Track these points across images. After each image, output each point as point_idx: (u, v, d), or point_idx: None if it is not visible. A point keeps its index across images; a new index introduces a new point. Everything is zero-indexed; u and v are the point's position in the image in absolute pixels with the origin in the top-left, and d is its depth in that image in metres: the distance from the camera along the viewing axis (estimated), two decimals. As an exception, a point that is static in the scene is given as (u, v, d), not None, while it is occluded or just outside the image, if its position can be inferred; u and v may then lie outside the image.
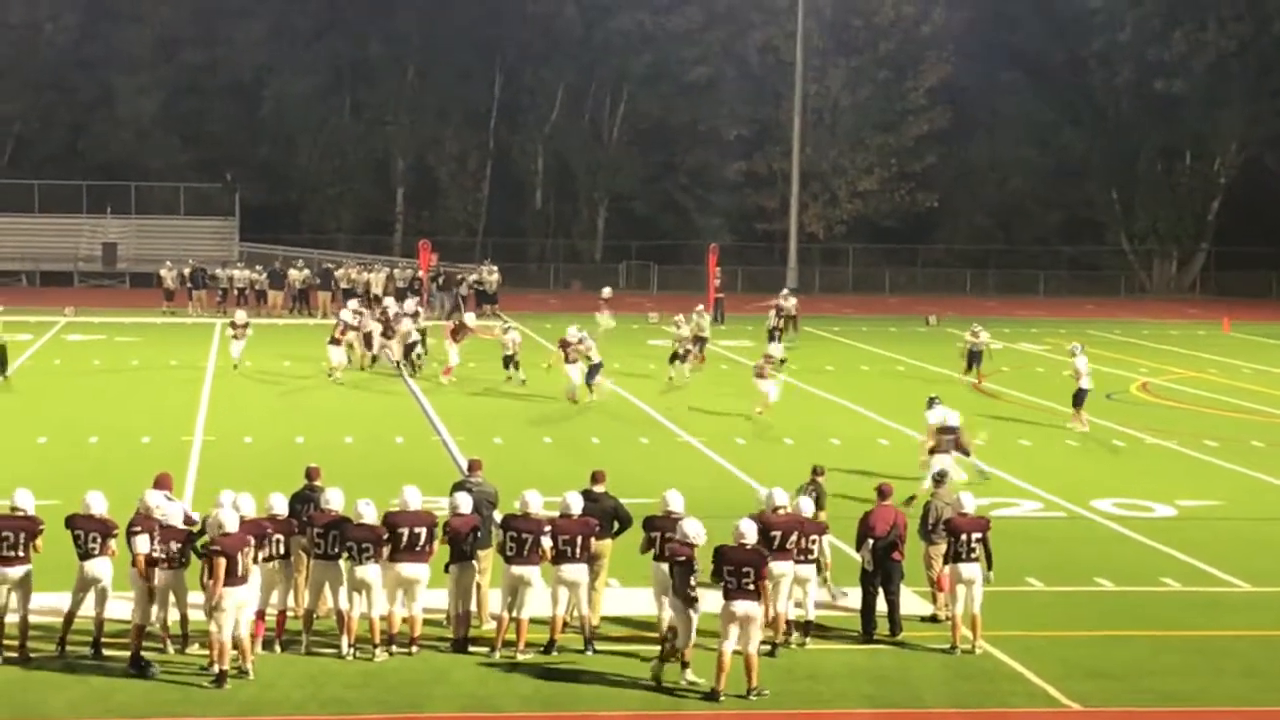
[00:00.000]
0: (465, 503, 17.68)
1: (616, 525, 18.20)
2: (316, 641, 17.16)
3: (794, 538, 17.38)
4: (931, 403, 27.40)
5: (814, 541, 17.71)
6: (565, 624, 17.47)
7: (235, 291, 56.20)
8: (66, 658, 16.64)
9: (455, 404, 35.33)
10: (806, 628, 17.78)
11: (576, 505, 17.53)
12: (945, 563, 18.02)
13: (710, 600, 16.57)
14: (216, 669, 15.94)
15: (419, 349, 40.34)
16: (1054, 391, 37.71)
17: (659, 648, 17.13)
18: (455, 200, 78.04)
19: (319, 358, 39.85)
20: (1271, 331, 57.59)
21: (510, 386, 37.11)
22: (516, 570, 17.13)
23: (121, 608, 16.91)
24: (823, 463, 20.82)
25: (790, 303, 49.31)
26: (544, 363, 37.02)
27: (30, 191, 70.60)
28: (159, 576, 16.58)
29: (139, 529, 16.47)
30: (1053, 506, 25.67)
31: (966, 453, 26.22)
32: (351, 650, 16.93)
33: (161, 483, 17.64)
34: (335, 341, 38.65)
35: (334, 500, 17.37)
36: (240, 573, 16.05)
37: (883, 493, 18.76)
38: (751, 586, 16.00)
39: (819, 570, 18.68)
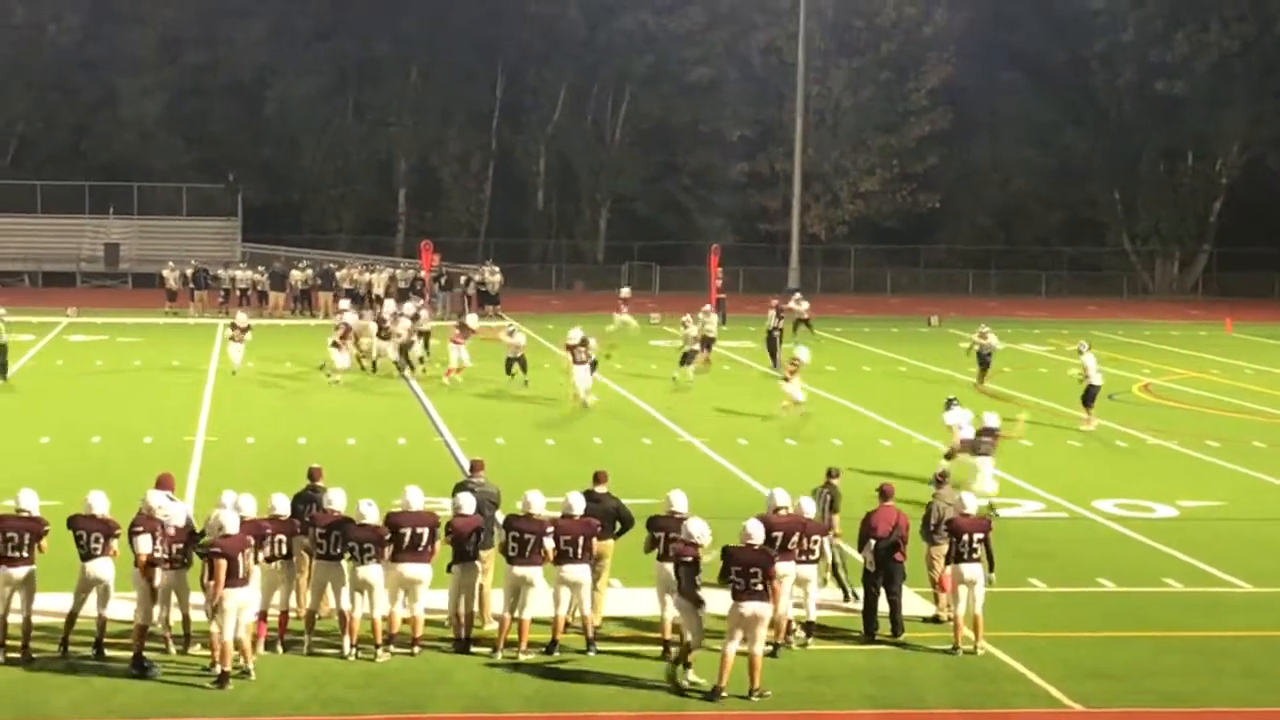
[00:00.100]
0: (468, 503, 17.70)
1: (618, 526, 18.22)
2: (318, 642, 17.17)
3: (795, 538, 17.39)
4: (950, 404, 27.54)
5: (815, 542, 17.73)
6: (567, 624, 17.48)
7: (237, 292, 56.23)
8: (69, 658, 16.66)
9: (457, 405, 35.33)
10: (808, 628, 17.80)
11: (578, 506, 17.55)
12: (947, 563, 18.04)
13: (714, 600, 16.59)
14: (218, 670, 15.95)
15: (419, 350, 40.33)
16: (1056, 392, 37.71)
17: (664, 649, 17.20)
18: (457, 201, 78.06)
19: (321, 358, 39.86)
20: (1273, 332, 57.56)
21: (513, 387, 37.07)
22: (519, 571, 17.14)
23: (123, 608, 16.92)
24: (824, 464, 20.84)
25: (803, 305, 49.39)
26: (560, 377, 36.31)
27: (33, 192, 70.64)
28: (161, 577, 16.60)
29: (141, 529, 16.48)
30: (1054, 507, 25.68)
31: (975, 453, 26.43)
32: (354, 651, 16.95)
33: (163, 483, 17.64)
34: (338, 344, 38.49)
35: (336, 501, 17.40)
36: (241, 574, 16.06)
37: (884, 493, 18.77)
38: (760, 587, 16.02)
39: (835, 570, 18.75)
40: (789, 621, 17.51)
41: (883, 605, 18.20)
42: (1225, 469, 29.74)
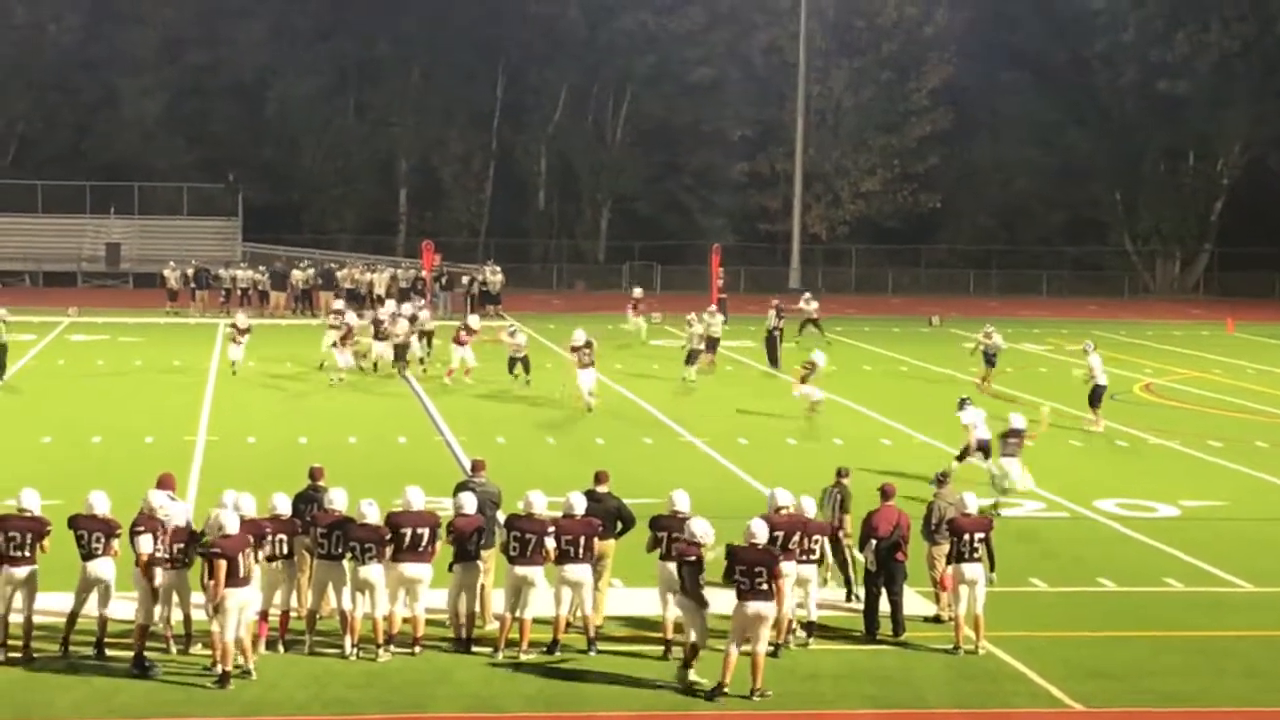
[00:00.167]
0: (469, 503, 17.70)
1: (620, 526, 18.21)
2: (320, 642, 17.17)
3: (796, 538, 17.39)
4: (963, 404, 27.62)
5: (815, 542, 17.73)
6: (568, 624, 17.48)
7: (238, 292, 56.23)
8: (69, 658, 16.65)
9: (458, 404, 35.32)
10: (809, 628, 17.80)
11: (580, 505, 17.54)
12: (948, 563, 18.04)
13: (717, 600, 16.59)
14: (219, 669, 15.95)
15: (418, 351, 40.22)
16: (1057, 392, 37.68)
17: (666, 649, 17.20)
18: (459, 201, 78.09)
19: (320, 358, 39.86)
20: (1275, 332, 57.55)
21: (515, 387, 37.01)
22: (520, 570, 17.14)
23: (124, 608, 16.92)
24: (826, 463, 20.86)
25: (812, 305, 49.41)
26: (559, 387, 35.95)
27: (34, 192, 70.68)
28: (162, 576, 16.59)
29: (142, 529, 16.48)
30: (1056, 507, 25.66)
31: (986, 455, 26.49)
32: (355, 650, 16.94)
33: (164, 483, 17.64)
34: (340, 344, 38.38)
35: (337, 500, 17.39)
36: (242, 574, 16.06)
37: (885, 493, 18.76)
38: (764, 586, 16.02)
39: (843, 569, 18.73)
40: (790, 621, 17.50)
41: (884, 605, 18.19)
42: (1227, 469, 29.73)
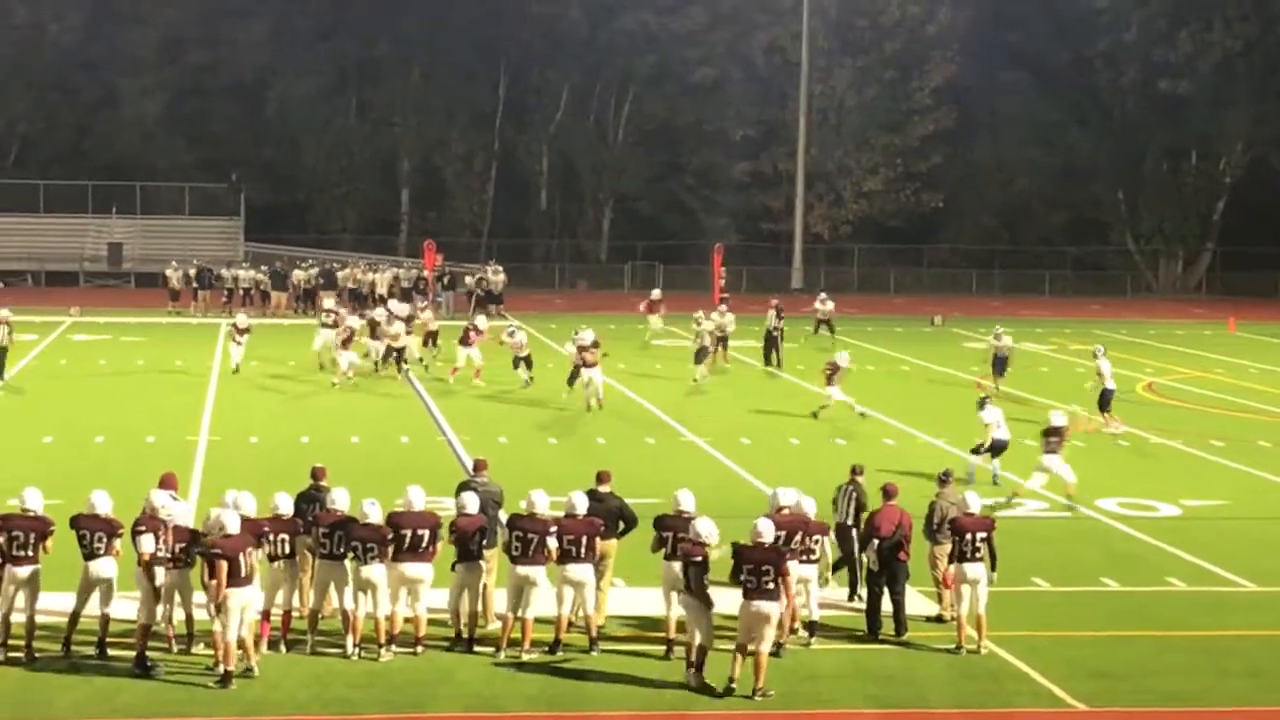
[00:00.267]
0: (471, 502, 17.69)
1: (622, 525, 18.21)
2: (322, 641, 17.16)
3: (798, 537, 17.38)
4: (983, 403, 27.64)
5: (816, 542, 17.73)
6: (570, 624, 17.47)
7: (240, 291, 56.23)
8: (71, 658, 16.65)
9: (460, 404, 35.32)
10: (811, 627, 17.79)
11: (582, 505, 17.54)
12: (950, 562, 18.03)
13: (722, 600, 16.59)
14: (221, 669, 15.95)
15: (415, 350, 40.05)
16: (1059, 391, 37.65)
17: (668, 648, 17.20)
18: (461, 200, 78.12)
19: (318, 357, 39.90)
20: (1277, 331, 57.54)
21: (518, 387, 36.89)
22: (522, 570, 17.13)
23: (126, 607, 16.92)
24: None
25: (828, 305, 49.42)
26: (564, 393, 35.63)
27: (35, 191, 70.75)
28: (164, 576, 16.59)
29: (143, 528, 16.47)
30: (1058, 506, 25.64)
31: (996, 454, 26.59)
32: (357, 650, 16.94)
33: (167, 482, 17.64)
34: (343, 345, 38.23)
35: (339, 500, 17.39)
36: (244, 573, 16.06)
37: (888, 493, 18.75)
38: (771, 586, 16.03)
39: (851, 568, 18.71)
40: (791, 620, 17.50)
41: (886, 604, 18.18)
42: (1229, 468, 29.72)
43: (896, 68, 77.19)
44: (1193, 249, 78.70)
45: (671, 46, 77.28)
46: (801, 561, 17.47)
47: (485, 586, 17.86)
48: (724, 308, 43.89)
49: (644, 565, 18.65)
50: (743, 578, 16.12)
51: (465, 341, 38.05)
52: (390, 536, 17.04)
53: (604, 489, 18.34)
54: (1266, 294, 73.15)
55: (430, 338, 41.89)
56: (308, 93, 75.65)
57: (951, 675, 16.89)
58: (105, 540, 16.70)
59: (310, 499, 17.89)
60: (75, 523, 16.82)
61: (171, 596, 16.84)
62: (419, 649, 17.10)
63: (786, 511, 17.58)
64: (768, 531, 16.38)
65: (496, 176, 78.71)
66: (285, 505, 17.44)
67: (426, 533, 17.21)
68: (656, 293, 51.19)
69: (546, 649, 17.17)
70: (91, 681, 16.07)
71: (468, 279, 58.93)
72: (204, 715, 15.23)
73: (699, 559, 16.27)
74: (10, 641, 16.64)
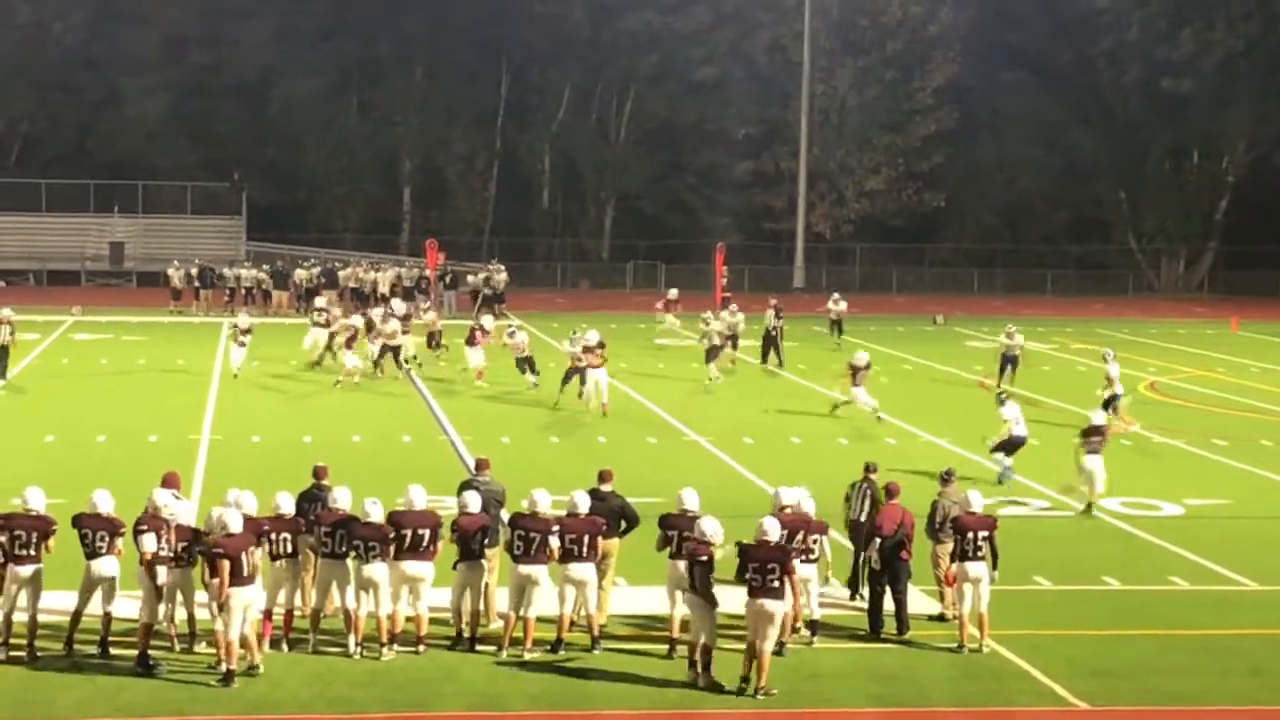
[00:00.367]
0: (473, 501, 17.70)
1: (624, 524, 18.20)
2: (324, 640, 17.17)
3: (799, 537, 17.38)
4: (1002, 400, 27.68)
5: (815, 541, 17.73)
6: (572, 623, 17.48)
7: (242, 291, 56.22)
8: (74, 657, 16.66)
9: (462, 404, 35.32)
10: (813, 626, 17.79)
11: (584, 504, 17.54)
12: (952, 561, 18.03)
13: (727, 599, 16.59)
14: (224, 668, 15.95)
15: (410, 349, 39.85)
16: (1061, 390, 37.68)
17: (670, 647, 17.20)
18: (463, 200, 78.12)
19: (334, 355, 39.88)
20: None
21: (523, 388, 36.74)
22: (524, 569, 17.13)
23: (129, 606, 16.92)
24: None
25: (841, 305, 49.44)
26: (558, 396, 35.15)
27: (38, 191, 70.75)
28: (166, 575, 16.58)
29: (145, 527, 16.48)
30: (1060, 505, 25.64)
31: (1009, 452, 26.66)
32: (359, 649, 16.95)
33: (169, 482, 17.65)
34: (347, 345, 38.16)
35: (341, 499, 17.39)
36: (246, 572, 16.06)
37: (890, 492, 18.75)
38: (776, 584, 16.04)
39: (855, 567, 18.70)
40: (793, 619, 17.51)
41: (888, 603, 18.18)
42: (1232, 467, 29.71)
43: (898, 67, 77.17)
44: (1195, 248, 78.68)
45: (674, 45, 77.27)
46: (801, 561, 17.47)
47: (487, 585, 17.86)
48: (734, 307, 43.84)
49: (646, 564, 18.66)
50: (748, 576, 16.14)
51: (471, 342, 37.95)
52: (392, 536, 17.04)
53: (606, 488, 18.33)
54: (1269, 293, 73.08)
55: (433, 337, 41.82)
56: (310, 92, 75.65)
57: (953, 674, 16.89)
58: (107, 539, 16.71)
59: (312, 498, 17.90)
60: (77, 522, 16.83)
61: (174, 596, 16.84)
62: (421, 648, 17.11)
63: (789, 511, 17.58)
64: (773, 530, 16.38)
65: (498, 176, 78.72)
66: (287, 504, 17.44)
67: (427, 532, 17.22)
68: (673, 292, 51.17)
69: (549, 648, 17.18)
70: (94, 680, 16.08)
71: (470, 278, 58.94)
72: (206, 714, 15.24)
73: (704, 558, 16.27)
74: (12, 640, 16.64)
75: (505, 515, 18.05)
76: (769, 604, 16.03)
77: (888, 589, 18.19)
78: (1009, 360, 38.60)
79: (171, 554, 16.62)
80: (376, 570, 16.97)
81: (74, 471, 25.33)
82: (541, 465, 26.82)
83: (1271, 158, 75.38)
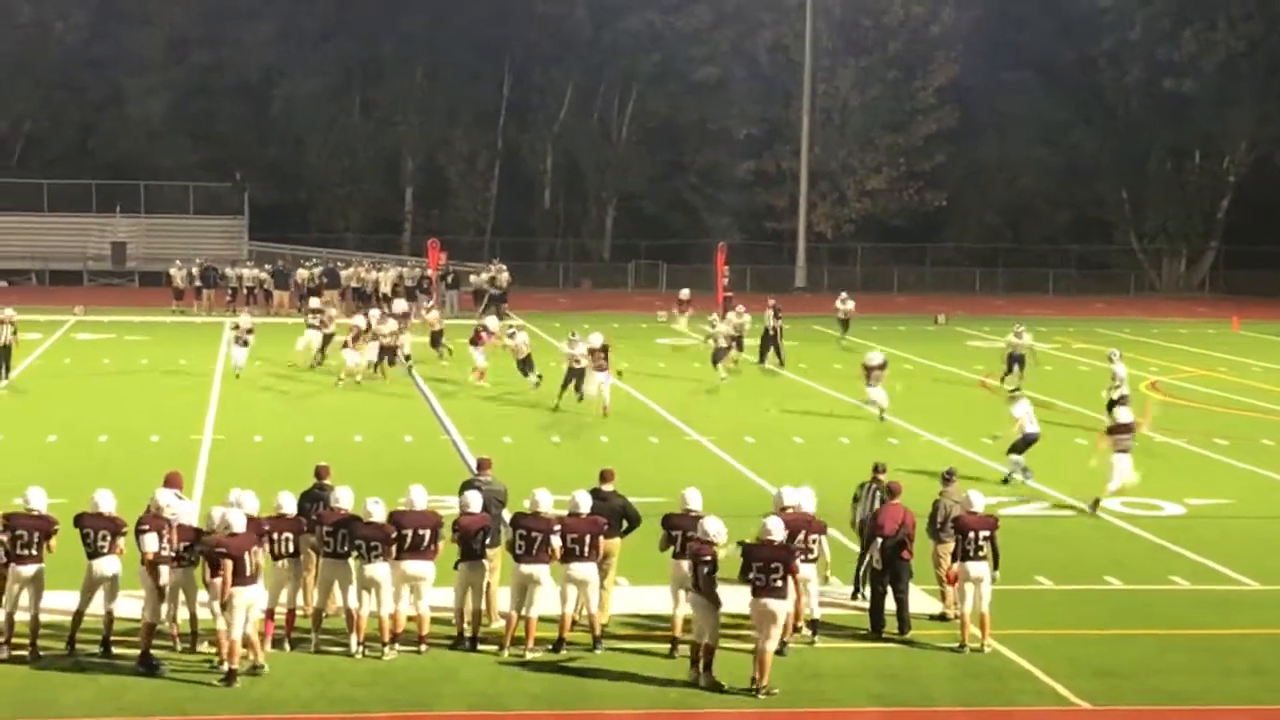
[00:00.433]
0: (475, 501, 17.71)
1: (625, 524, 18.20)
2: (326, 640, 17.19)
3: (801, 536, 17.39)
4: (1015, 397, 27.64)
5: (814, 541, 17.74)
6: (574, 622, 17.49)
7: (244, 290, 56.21)
8: (76, 656, 16.67)
9: (464, 404, 35.33)
10: (813, 626, 17.80)
11: (585, 504, 17.55)
12: (953, 561, 18.04)
13: (731, 599, 16.60)
14: (226, 667, 15.97)
15: (405, 349, 39.76)
16: (1062, 389, 37.67)
17: (673, 646, 17.21)
18: (464, 200, 78.12)
19: (329, 357, 39.88)
20: (1281, 330, 57.58)
21: (522, 387, 36.74)
22: (525, 569, 17.15)
23: (130, 606, 16.93)
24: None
25: (848, 305, 49.45)
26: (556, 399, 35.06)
27: (39, 190, 70.76)
28: (168, 575, 16.60)
29: (147, 527, 16.49)
30: (1062, 505, 25.65)
31: (1020, 450, 26.65)
32: (361, 648, 16.96)
33: (171, 481, 17.67)
34: (349, 345, 38.07)
35: (343, 499, 17.40)
36: (249, 572, 16.08)
37: (892, 491, 18.75)
38: (779, 583, 16.05)
39: (859, 566, 18.73)
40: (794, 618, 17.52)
41: (890, 603, 18.19)
42: (1233, 467, 29.72)
43: (900, 67, 77.17)
44: (1196, 248, 78.68)
45: (675, 45, 77.27)
46: (801, 560, 17.47)
47: (489, 585, 17.87)
48: (741, 308, 43.84)
49: (647, 564, 18.67)
50: (751, 575, 16.15)
51: (476, 342, 37.94)
52: (394, 535, 17.06)
53: (607, 488, 18.34)
54: (1270, 293, 73.05)
55: (436, 337, 41.79)
56: (312, 92, 75.68)
57: (955, 674, 16.89)
58: (109, 539, 16.72)
59: (314, 498, 17.90)
60: (79, 521, 16.85)
61: (176, 595, 16.85)
62: (422, 647, 17.12)
63: (791, 510, 17.59)
64: (777, 530, 16.39)
65: (500, 175, 78.74)
66: (289, 504, 17.45)
67: (428, 532, 17.23)
68: (685, 292, 51.21)
69: (550, 647, 17.19)
70: (97, 680, 16.09)
71: (473, 277, 58.91)
72: (209, 714, 15.25)
73: (709, 558, 16.28)
74: (15, 640, 16.66)
75: (507, 515, 18.06)
76: (772, 603, 16.07)
77: (889, 588, 18.20)
78: (1016, 359, 38.54)
79: (173, 554, 16.63)
80: (378, 570, 16.98)
81: (76, 471, 25.35)
82: (543, 465, 26.82)
83: (1273, 157, 75.38)
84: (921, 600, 18.91)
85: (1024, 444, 27.09)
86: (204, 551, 16.37)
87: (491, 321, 40.00)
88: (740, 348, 41.80)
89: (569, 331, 36.99)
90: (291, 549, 17.25)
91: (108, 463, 27.13)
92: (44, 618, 16.81)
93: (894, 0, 76.26)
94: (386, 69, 77.09)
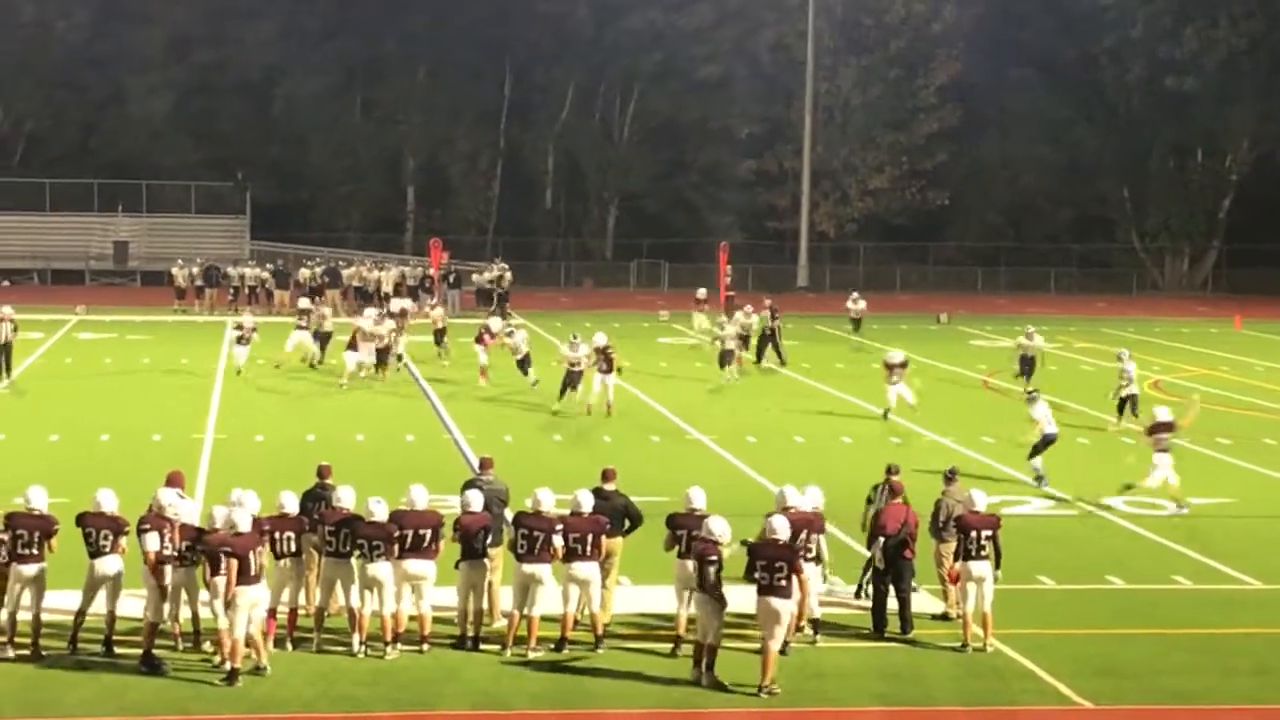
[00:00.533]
0: (476, 500, 17.71)
1: (627, 523, 18.21)
2: (328, 639, 17.19)
3: (803, 536, 17.39)
4: (1032, 398, 27.65)
5: (815, 540, 17.73)
6: (576, 622, 17.48)
7: (246, 290, 56.22)
8: (78, 655, 16.67)
9: (466, 403, 35.33)
10: (815, 625, 17.80)
11: (587, 503, 17.54)
12: (955, 560, 18.03)
13: (736, 598, 16.60)
14: (229, 667, 15.96)
15: (400, 349, 39.68)
16: (1064, 389, 37.64)
17: (675, 646, 17.20)
18: (466, 199, 78.15)
19: (330, 356, 39.86)
20: (1283, 329, 57.55)
21: (523, 387, 36.69)
22: (527, 568, 17.14)
23: (132, 605, 16.93)
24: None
25: (860, 304, 49.42)
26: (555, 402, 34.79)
27: (42, 190, 70.77)
28: (171, 574, 16.59)
29: (149, 527, 16.49)
30: (1064, 504, 25.63)
31: (1043, 446, 26.61)
32: (363, 648, 16.96)
33: (173, 481, 17.65)
34: (352, 346, 37.98)
35: (345, 498, 17.39)
36: (253, 572, 16.08)
37: (894, 490, 18.74)
38: (784, 582, 16.05)
39: (866, 566, 18.73)
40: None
41: (892, 603, 18.18)
42: (1235, 466, 29.72)
43: (902, 66, 77.20)
44: (1198, 246, 78.66)
45: (677, 44, 77.30)
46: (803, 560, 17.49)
47: (491, 584, 17.86)
48: (749, 308, 43.85)
49: (649, 563, 18.67)
50: (756, 574, 16.15)
51: (480, 341, 37.96)
52: (396, 535, 17.05)
53: (609, 487, 18.34)
54: (1272, 291, 73.01)
55: (439, 335, 41.78)
56: (314, 91, 75.72)
57: (957, 673, 16.89)
58: (111, 538, 16.72)
59: (316, 497, 17.90)
60: (81, 521, 16.85)
61: (178, 595, 16.85)
62: (424, 647, 17.12)
63: (793, 510, 17.58)
64: (782, 529, 16.39)
65: (502, 175, 78.78)
66: (291, 503, 17.45)
67: (429, 531, 17.23)
68: (702, 291, 51.27)
69: (552, 647, 17.19)
70: (99, 679, 16.09)
71: (475, 277, 58.90)
72: (211, 713, 15.25)
73: (714, 558, 16.27)
74: (17, 639, 16.65)
75: (509, 514, 18.05)
76: (775, 602, 16.07)
77: (891, 588, 18.19)
78: (1027, 361, 38.36)
79: (176, 553, 16.63)
80: (380, 569, 16.98)
81: (78, 470, 25.36)
82: (545, 464, 26.83)
83: (1275, 155, 75.39)
84: (924, 600, 18.90)
85: (1043, 444, 27.04)
86: (208, 550, 16.37)
87: (495, 322, 39.96)
88: (745, 347, 41.82)
89: (570, 332, 36.96)
90: (294, 548, 17.25)
91: (110, 462, 27.14)
92: (46, 617, 16.81)
93: (895, -1, 76.36)
94: (388, 68, 77.11)
